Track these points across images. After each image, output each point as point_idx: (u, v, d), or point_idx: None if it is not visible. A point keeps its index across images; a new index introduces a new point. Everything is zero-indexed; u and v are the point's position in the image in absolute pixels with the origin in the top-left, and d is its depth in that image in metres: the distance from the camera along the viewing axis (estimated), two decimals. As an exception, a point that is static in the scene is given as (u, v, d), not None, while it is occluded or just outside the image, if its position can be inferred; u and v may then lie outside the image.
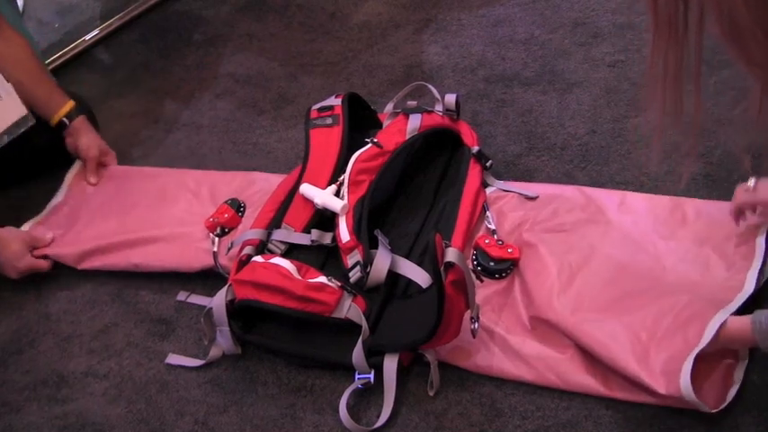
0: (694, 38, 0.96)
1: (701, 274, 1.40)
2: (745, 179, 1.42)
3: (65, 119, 1.95)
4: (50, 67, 2.34)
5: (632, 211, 1.54)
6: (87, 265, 1.75)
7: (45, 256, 1.78)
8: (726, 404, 1.22)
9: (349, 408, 1.36)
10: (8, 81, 1.81)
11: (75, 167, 2.03)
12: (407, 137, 1.66)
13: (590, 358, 1.32)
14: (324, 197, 1.56)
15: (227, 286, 1.48)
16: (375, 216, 1.56)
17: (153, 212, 1.84)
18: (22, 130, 1.83)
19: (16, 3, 2.32)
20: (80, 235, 1.82)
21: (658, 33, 0.97)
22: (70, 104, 1.97)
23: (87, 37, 2.58)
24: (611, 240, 1.48)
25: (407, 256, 1.49)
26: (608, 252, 1.46)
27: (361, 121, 1.76)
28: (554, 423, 1.29)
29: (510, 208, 1.62)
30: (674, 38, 0.97)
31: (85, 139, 1.97)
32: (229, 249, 1.62)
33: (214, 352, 1.51)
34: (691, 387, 1.19)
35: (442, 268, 1.27)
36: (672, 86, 1.02)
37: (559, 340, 1.36)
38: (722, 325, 1.25)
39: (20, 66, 1.91)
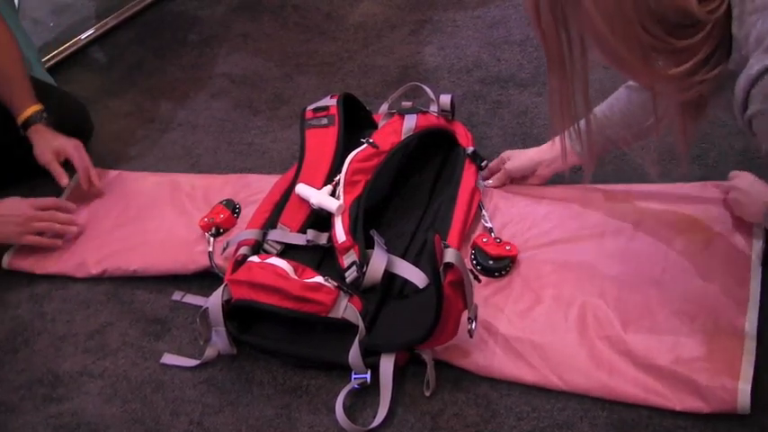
0: (580, 66, 1.10)
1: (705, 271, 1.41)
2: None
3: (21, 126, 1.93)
4: (45, 66, 2.34)
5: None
6: (85, 273, 1.75)
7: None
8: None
9: (345, 408, 1.35)
10: None
11: (77, 176, 2.02)
12: (403, 137, 1.66)
13: (592, 360, 1.32)
14: (319, 197, 1.56)
15: (222, 286, 1.47)
16: (370, 216, 1.56)
17: (148, 217, 1.84)
18: None
19: (12, 0, 2.32)
20: (78, 245, 1.82)
21: (550, 66, 1.11)
22: (33, 108, 1.93)
23: (82, 36, 2.58)
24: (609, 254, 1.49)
25: (403, 256, 1.49)
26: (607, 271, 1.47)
27: (356, 122, 1.76)
28: (550, 424, 1.29)
29: (507, 206, 1.63)
30: (562, 69, 1.10)
31: (37, 148, 1.91)
32: (225, 249, 1.62)
33: (209, 352, 1.51)
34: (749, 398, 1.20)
35: (441, 269, 1.28)
36: (567, 112, 1.16)
37: (562, 341, 1.36)
38: None
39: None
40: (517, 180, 1.67)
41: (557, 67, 1.10)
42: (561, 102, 1.15)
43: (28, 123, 1.92)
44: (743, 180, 1.48)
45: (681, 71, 1.02)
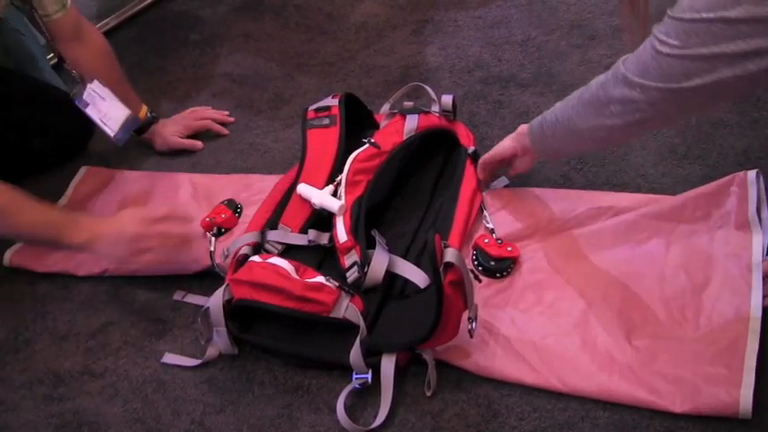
0: None
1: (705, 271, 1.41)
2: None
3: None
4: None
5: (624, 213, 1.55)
6: (86, 271, 1.75)
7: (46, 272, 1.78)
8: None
9: (346, 408, 1.35)
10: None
11: (78, 176, 2.03)
12: (404, 137, 1.66)
13: (593, 363, 1.32)
14: (321, 197, 1.56)
15: (224, 286, 1.47)
16: (372, 216, 1.56)
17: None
18: (135, 127, 1.97)
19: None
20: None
21: None
22: (144, 110, 2.04)
23: (83, 36, 2.58)
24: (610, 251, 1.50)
25: (404, 257, 1.49)
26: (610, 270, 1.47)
27: (357, 122, 1.76)
28: (551, 424, 1.29)
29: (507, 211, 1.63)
30: None
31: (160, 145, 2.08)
32: (226, 257, 1.60)
33: (210, 351, 1.51)
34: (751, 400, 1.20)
35: (441, 268, 1.28)
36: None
37: (563, 343, 1.36)
38: None
39: (98, 71, 1.95)
40: (493, 169, 1.65)
41: None
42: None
43: (144, 127, 2.05)
44: None
45: None
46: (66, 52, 1.94)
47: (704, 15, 1.04)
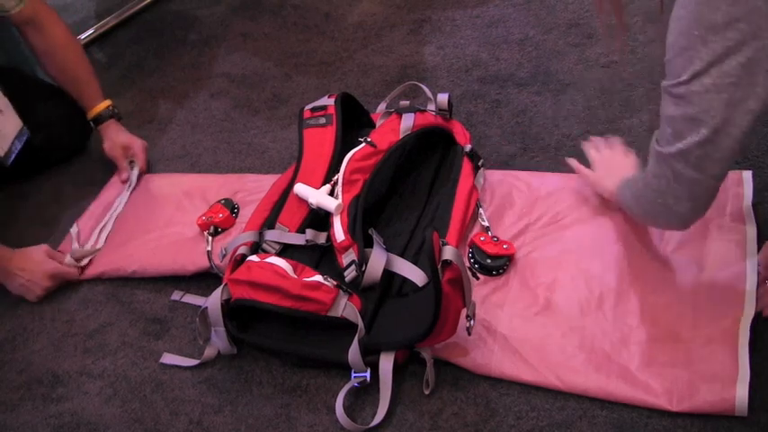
0: None
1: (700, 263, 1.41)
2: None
3: (91, 122, 2.05)
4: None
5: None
6: (86, 274, 1.76)
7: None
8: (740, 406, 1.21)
9: (344, 407, 1.35)
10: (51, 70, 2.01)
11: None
12: (401, 136, 1.66)
13: (591, 361, 1.32)
14: (318, 197, 1.56)
15: (222, 286, 1.47)
16: (369, 215, 1.56)
17: (146, 218, 1.85)
18: (23, 142, 1.89)
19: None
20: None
21: None
22: (105, 104, 2.05)
23: (82, 36, 2.59)
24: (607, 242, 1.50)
25: (402, 255, 1.49)
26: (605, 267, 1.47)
27: (353, 121, 1.76)
28: (549, 423, 1.29)
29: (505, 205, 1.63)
30: None
31: (107, 142, 2.04)
32: (223, 257, 1.61)
33: (209, 352, 1.51)
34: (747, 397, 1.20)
35: (439, 266, 1.28)
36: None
37: (561, 341, 1.36)
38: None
39: (62, 57, 2.01)
40: None
41: None
42: None
43: (99, 120, 2.04)
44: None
45: None
46: (27, 41, 1.99)
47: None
